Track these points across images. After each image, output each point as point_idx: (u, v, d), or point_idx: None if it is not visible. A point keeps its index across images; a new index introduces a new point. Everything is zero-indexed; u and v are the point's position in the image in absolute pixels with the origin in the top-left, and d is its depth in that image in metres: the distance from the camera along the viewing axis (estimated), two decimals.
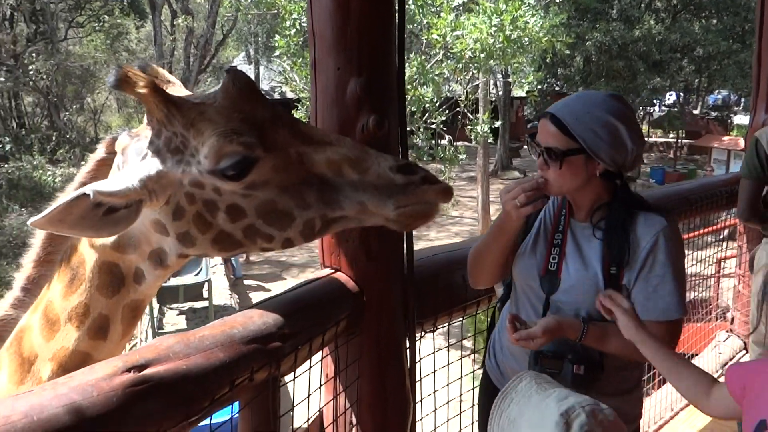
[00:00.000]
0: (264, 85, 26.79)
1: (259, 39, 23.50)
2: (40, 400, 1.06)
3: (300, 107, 12.43)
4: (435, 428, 2.34)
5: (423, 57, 11.63)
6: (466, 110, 14.05)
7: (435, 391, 2.28)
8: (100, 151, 1.45)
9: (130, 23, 26.31)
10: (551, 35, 11.94)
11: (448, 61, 11.92)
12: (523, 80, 14.55)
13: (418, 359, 2.09)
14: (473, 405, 2.24)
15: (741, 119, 27.24)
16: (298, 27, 11.02)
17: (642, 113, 26.36)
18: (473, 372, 2.68)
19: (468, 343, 3.43)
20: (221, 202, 1.32)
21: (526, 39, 11.26)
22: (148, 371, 1.20)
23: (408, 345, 2.01)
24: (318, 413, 1.97)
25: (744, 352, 4.29)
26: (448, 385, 2.33)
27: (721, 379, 1.58)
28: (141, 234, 1.38)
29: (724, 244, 5.46)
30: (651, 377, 3.56)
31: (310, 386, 1.79)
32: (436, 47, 11.67)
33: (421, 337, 2.14)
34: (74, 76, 21.93)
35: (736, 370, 1.53)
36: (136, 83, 1.24)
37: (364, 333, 1.87)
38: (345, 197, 1.35)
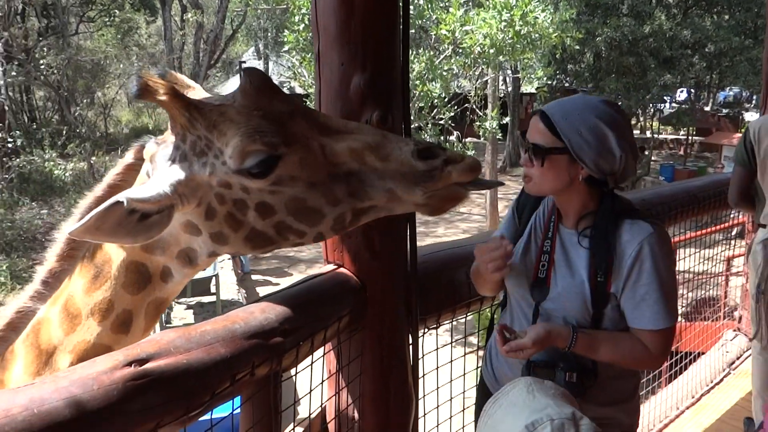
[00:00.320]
0: (273, 80, 26.80)
1: (269, 34, 23.52)
2: (40, 393, 1.07)
3: (308, 103, 12.43)
4: (437, 425, 2.34)
5: (432, 52, 11.59)
6: (474, 106, 14.01)
7: (438, 388, 2.28)
8: (129, 157, 1.48)
9: (141, 18, 26.41)
10: (561, 31, 11.87)
11: (457, 57, 11.88)
12: (533, 76, 14.46)
13: (421, 356, 2.09)
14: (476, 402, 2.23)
15: (752, 116, 26.99)
16: (306, 22, 11.02)
17: (652, 110, 26.18)
18: (477, 368, 2.68)
19: (474, 339, 3.43)
20: (250, 200, 1.34)
21: (536, 34, 11.20)
22: (149, 365, 1.21)
23: (411, 341, 2.01)
24: (320, 408, 1.97)
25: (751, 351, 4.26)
26: (451, 381, 2.33)
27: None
28: (170, 236, 1.40)
29: (733, 242, 5.43)
30: (658, 375, 3.55)
31: (312, 381, 1.80)
32: (445, 43, 11.63)
33: (424, 333, 2.14)
34: (85, 70, 22.01)
35: None
36: (156, 91, 1.26)
37: (367, 329, 1.87)
38: (372, 187, 1.36)
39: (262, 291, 13.54)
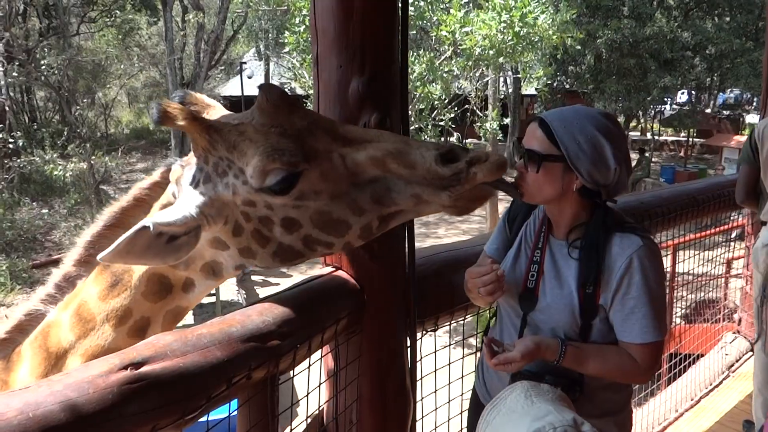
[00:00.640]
0: (274, 82, 26.81)
1: (269, 35, 23.53)
2: (35, 397, 1.06)
3: (309, 104, 12.43)
4: (436, 427, 2.34)
5: (432, 54, 11.58)
6: (475, 107, 14.01)
7: (436, 390, 2.28)
8: (156, 176, 1.52)
9: (142, 19, 26.39)
10: (561, 32, 11.86)
11: (458, 58, 11.87)
12: (533, 77, 14.45)
13: (419, 358, 2.09)
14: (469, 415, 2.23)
15: (753, 118, 26.97)
16: (307, 23, 11.01)
17: (653, 111, 26.16)
18: (476, 370, 2.67)
19: (473, 341, 3.43)
20: (275, 216, 1.37)
21: (536, 36, 11.18)
22: (144, 369, 1.20)
23: (409, 344, 2.00)
24: (318, 411, 1.97)
25: (750, 353, 4.26)
26: (449, 384, 2.33)
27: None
28: (194, 251, 1.43)
29: (733, 244, 5.42)
30: (657, 377, 3.55)
31: (309, 384, 1.79)
32: (445, 44, 11.62)
33: (422, 335, 2.13)
34: (86, 71, 22.01)
35: None
36: (176, 117, 1.29)
37: (365, 331, 1.87)
38: (398, 193, 1.37)
39: (262, 292, 13.53)
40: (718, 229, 4.90)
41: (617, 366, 1.66)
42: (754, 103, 28.98)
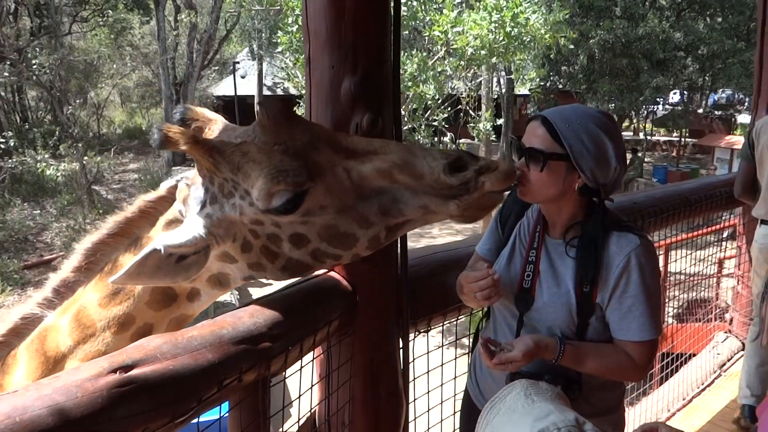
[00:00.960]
0: (267, 81, 26.75)
1: (263, 35, 23.46)
2: (23, 402, 1.05)
3: (302, 104, 12.41)
4: (429, 428, 2.33)
5: (425, 54, 11.58)
6: (468, 107, 14.02)
7: (429, 392, 2.27)
8: (162, 190, 1.53)
9: (134, 18, 26.26)
10: (554, 32, 11.88)
11: (450, 58, 11.87)
12: (526, 77, 14.47)
13: (411, 359, 2.09)
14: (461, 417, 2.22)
15: (745, 118, 27.11)
16: (300, 23, 10.97)
17: (645, 111, 26.26)
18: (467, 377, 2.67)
19: (466, 341, 3.42)
20: (283, 233, 1.37)
21: (528, 36, 11.20)
22: (134, 372, 1.19)
23: (401, 345, 2.00)
24: (310, 413, 1.96)
25: (742, 353, 4.28)
26: (442, 385, 2.32)
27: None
28: None
29: (725, 244, 5.44)
30: (649, 377, 3.56)
31: (301, 386, 1.78)
32: (438, 44, 11.62)
33: (415, 336, 2.13)
34: (78, 70, 21.92)
35: (762, 406, 1.50)
36: (178, 141, 1.29)
37: (357, 333, 1.86)
38: (405, 204, 1.36)
39: (256, 292, 13.49)
40: (710, 228, 4.92)
41: (614, 364, 1.67)
42: (746, 104, 29.12)
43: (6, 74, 18.03)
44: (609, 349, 1.69)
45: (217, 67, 28.09)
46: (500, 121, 16.20)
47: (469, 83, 13.79)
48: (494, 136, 15.78)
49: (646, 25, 19.31)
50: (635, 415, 3.60)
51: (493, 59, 11.63)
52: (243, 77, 25.40)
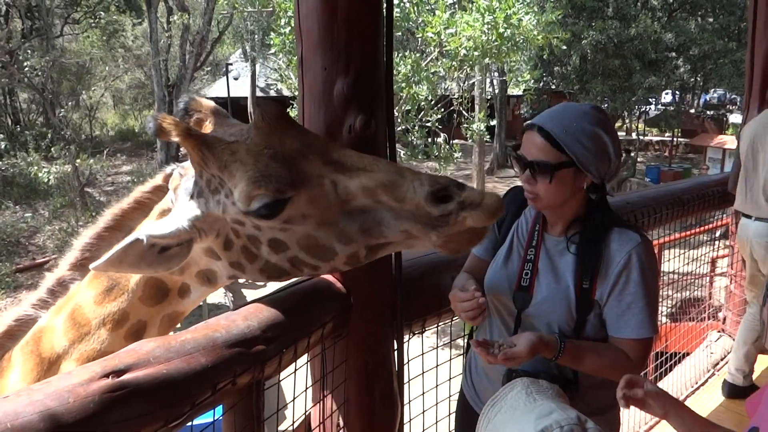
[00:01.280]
0: (260, 83, 26.72)
1: (255, 36, 23.44)
2: (14, 407, 1.04)
3: (295, 105, 12.39)
4: (424, 430, 2.33)
5: (418, 55, 11.59)
6: (461, 108, 14.03)
7: (423, 393, 2.27)
8: (158, 179, 1.53)
9: (126, 20, 26.18)
10: (547, 33, 11.91)
11: (444, 59, 11.89)
12: (519, 78, 14.50)
13: (406, 361, 2.08)
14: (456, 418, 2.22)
15: (737, 118, 27.26)
16: (293, 25, 10.96)
17: (638, 112, 26.37)
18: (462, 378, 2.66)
19: (461, 342, 3.42)
20: (262, 236, 1.37)
21: (521, 37, 11.22)
22: (126, 376, 1.18)
23: (396, 346, 2.00)
24: (305, 416, 1.95)
25: None
26: (437, 386, 2.32)
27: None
28: (190, 258, 1.44)
29: (717, 243, 5.47)
30: (644, 376, 3.55)
31: (295, 389, 1.78)
32: (431, 45, 11.63)
33: (409, 338, 2.12)
34: (70, 72, 21.82)
35: (753, 398, 1.50)
36: (170, 132, 1.30)
37: (351, 335, 1.86)
38: (387, 226, 1.34)
39: (250, 294, 13.47)
40: (702, 228, 4.94)
41: (611, 362, 1.67)
42: (738, 103, 29.28)
43: None
44: (606, 347, 1.69)
45: (210, 69, 28.05)
46: (493, 122, 16.22)
47: (462, 84, 13.80)
48: (488, 136, 15.80)
49: (638, 25, 19.40)
50: (630, 414, 3.60)
51: (486, 60, 11.65)
52: (236, 79, 25.36)
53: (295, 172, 1.32)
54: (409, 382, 2.14)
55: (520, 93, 19.03)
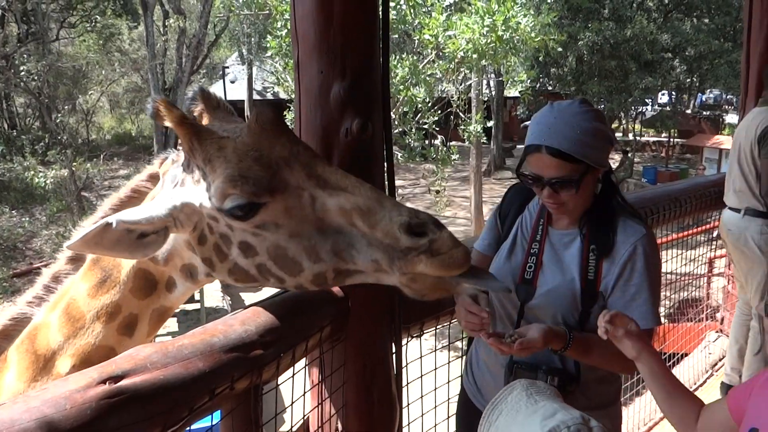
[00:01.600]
0: (257, 86, 26.69)
1: (252, 39, 23.42)
2: (10, 414, 1.04)
3: (292, 108, 12.38)
4: None
5: (415, 57, 11.60)
6: (458, 110, 14.04)
7: (422, 396, 2.26)
8: (155, 166, 1.53)
9: (123, 24, 26.14)
10: (543, 34, 11.93)
11: (440, 62, 11.90)
12: (516, 80, 14.52)
13: (404, 364, 2.08)
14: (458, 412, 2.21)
15: (733, 118, 27.33)
16: (289, 27, 10.95)
17: (634, 113, 26.42)
18: (462, 375, 2.65)
19: (460, 344, 3.42)
20: (233, 237, 1.37)
21: (518, 38, 11.24)
22: (124, 382, 1.18)
23: (394, 349, 1.99)
24: (303, 420, 1.95)
25: None
26: (435, 389, 2.31)
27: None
28: (173, 249, 1.46)
29: (715, 243, 5.47)
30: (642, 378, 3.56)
31: (294, 392, 1.77)
32: (428, 47, 11.64)
33: (408, 341, 2.12)
34: (66, 76, 21.77)
35: (736, 391, 1.50)
36: (164, 117, 1.32)
37: (349, 339, 1.86)
38: (358, 252, 1.32)
39: (248, 298, 13.44)
40: (699, 228, 4.94)
41: (616, 354, 1.67)
42: (734, 104, 29.36)
43: None
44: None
45: (206, 72, 28.02)
46: (490, 124, 16.23)
47: (459, 86, 13.82)
48: (485, 138, 15.81)
49: (634, 26, 19.45)
50: (628, 416, 3.60)
51: (483, 62, 11.66)
52: (233, 82, 25.36)
53: (276, 178, 1.32)
54: (407, 385, 2.14)
55: (517, 94, 19.06)
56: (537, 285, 1.76)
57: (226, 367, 1.38)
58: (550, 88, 23.02)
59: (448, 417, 2.38)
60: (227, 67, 25.36)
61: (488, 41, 10.82)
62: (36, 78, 19.27)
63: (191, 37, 21.73)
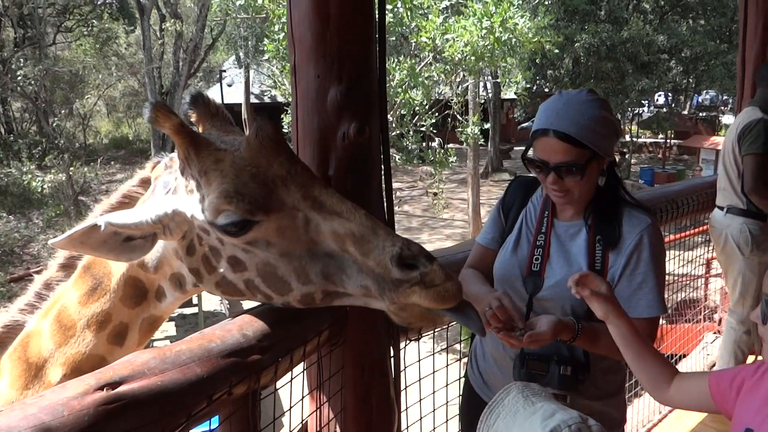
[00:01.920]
0: (254, 89, 26.70)
1: (249, 43, 23.43)
2: (7, 422, 1.03)
3: (289, 111, 12.39)
4: None
5: (413, 60, 11.62)
6: (455, 112, 14.07)
7: (420, 400, 2.26)
8: (147, 170, 1.52)
9: (119, 28, 26.15)
10: (540, 36, 11.96)
11: (438, 64, 11.92)
12: (513, 82, 14.55)
13: (403, 367, 2.08)
14: (458, 413, 2.21)
15: (729, 119, 27.38)
16: (286, 31, 10.95)
17: (631, 114, 26.46)
18: (461, 377, 2.65)
19: (458, 347, 3.42)
20: (223, 251, 1.36)
21: (515, 41, 11.27)
22: (121, 388, 1.17)
23: (392, 354, 1.99)
24: (302, 424, 1.94)
25: None
26: (434, 393, 2.31)
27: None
28: (163, 257, 1.45)
29: (711, 244, 5.47)
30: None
31: (292, 397, 1.77)
32: (425, 50, 11.66)
33: (406, 345, 2.12)
34: (63, 81, 21.76)
35: (720, 376, 1.51)
36: (163, 124, 1.30)
37: (348, 343, 1.85)
38: (348, 277, 1.32)
39: (246, 302, 13.40)
40: (697, 230, 4.95)
41: None
42: (730, 104, 29.43)
43: None
44: None
45: (203, 76, 28.02)
46: (487, 126, 16.25)
47: (456, 88, 13.84)
48: (482, 140, 15.84)
49: (630, 28, 19.49)
50: (628, 417, 3.60)
51: (481, 64, 11.69)
52: (230, 85, 25.36)
53: (272, 197, 1.31)
54: (406, 389, 2.14)
55: (514, 96, 19.08)
56: (545, 277, 1.77)
57: (224, 373, 1.37)
58: (546, 89, 23.06)
59: (447, 420, 2.38)
60: (224, 71, 25.37)
61: (486, 44, 10.84)
62: (33, 82, 19.26)
63: (188, 41, 21.75)
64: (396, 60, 11.24)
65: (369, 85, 1.80)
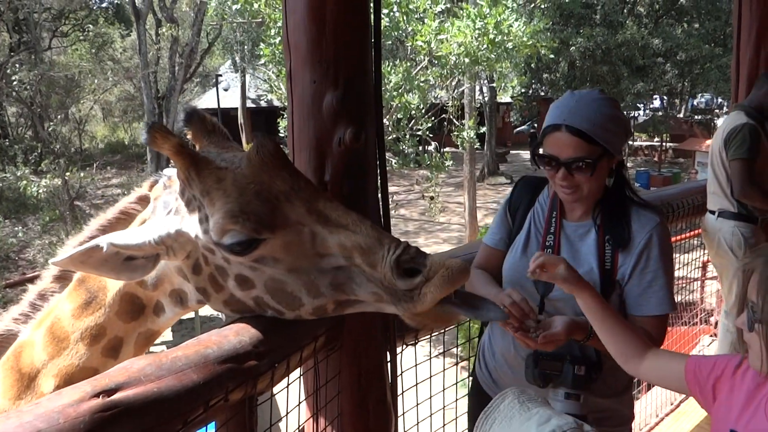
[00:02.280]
0: (250, 93, 26.72)
1: (245, 47, 23.45)
2: (3, 430, 1.03)
3: (285, 116, 12.38)
4: None
5: (408, 64, 11.64)
6: (452, 116, 14.08)
7: (417, 404, 2.26)
8: (144, 189, 1.51)
9: (115, 32, 26.13)
10: (535, 40, 12.00)
11: (434, 68, 11.95)
12: (509, 85, 14.59)
13: (400, 372, 2.07)
14: (455, 418, 2.22)
15: None
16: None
17: (626, 117, 26.56)
18: (458, 381, 2.65)
19: (456, 351, 3.42)
20: (230, 270, 1.35)
21: (510, 44, 11.30)
22: (117, 396, 1.17)
23: (389, 358, 1.99)
24: (299, 430, 1.94)
25: None
26: (431, 397, 2.31)
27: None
28: (164, 275, 1.44)
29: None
30: (638, 382, 3.57)
31: (289, 403, 1.77)
32: (421, 54, 11.69)
33: (402, 350, 2.12)
34: (58, 86, 21.73)
35: (699, 364, 1.51)
36: (162, 145, 1.29)
37: (344, 348, 1.85)
38: (359, 285, 1.32)
39: None
40: (693, 233, 4.96)
41: None
42: (725, 107, 29.52)
43: None
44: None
45: (199, 80, 28.03)
46: (483, 129, 16.28)
47: (452, 92, 13.86)
48: (478, 144, 15.87)
49: (625, 32, 19.58)
50: None
51: (476, 67, 11.71)
52: (226, 90, 25.35)
53: (276, 214, 1.30)
54: (402, 393, 2.14)
55: (510, 100, 19.11)
56: None
57: (221, 379, 1.36)
58: (542, 93, 23.13)
59: (444, 425, 2.38)
60: (220, 75, 25.36)
61: (480, 45, 10.87)
62: (28, 87, 19.24)
63: (184, 45, 21.75)
64: (392, 64, 11.26)
65: (365, 90, 1.80)
